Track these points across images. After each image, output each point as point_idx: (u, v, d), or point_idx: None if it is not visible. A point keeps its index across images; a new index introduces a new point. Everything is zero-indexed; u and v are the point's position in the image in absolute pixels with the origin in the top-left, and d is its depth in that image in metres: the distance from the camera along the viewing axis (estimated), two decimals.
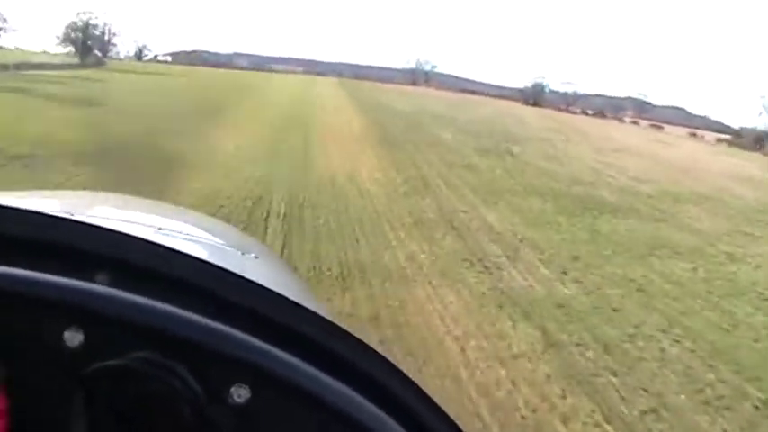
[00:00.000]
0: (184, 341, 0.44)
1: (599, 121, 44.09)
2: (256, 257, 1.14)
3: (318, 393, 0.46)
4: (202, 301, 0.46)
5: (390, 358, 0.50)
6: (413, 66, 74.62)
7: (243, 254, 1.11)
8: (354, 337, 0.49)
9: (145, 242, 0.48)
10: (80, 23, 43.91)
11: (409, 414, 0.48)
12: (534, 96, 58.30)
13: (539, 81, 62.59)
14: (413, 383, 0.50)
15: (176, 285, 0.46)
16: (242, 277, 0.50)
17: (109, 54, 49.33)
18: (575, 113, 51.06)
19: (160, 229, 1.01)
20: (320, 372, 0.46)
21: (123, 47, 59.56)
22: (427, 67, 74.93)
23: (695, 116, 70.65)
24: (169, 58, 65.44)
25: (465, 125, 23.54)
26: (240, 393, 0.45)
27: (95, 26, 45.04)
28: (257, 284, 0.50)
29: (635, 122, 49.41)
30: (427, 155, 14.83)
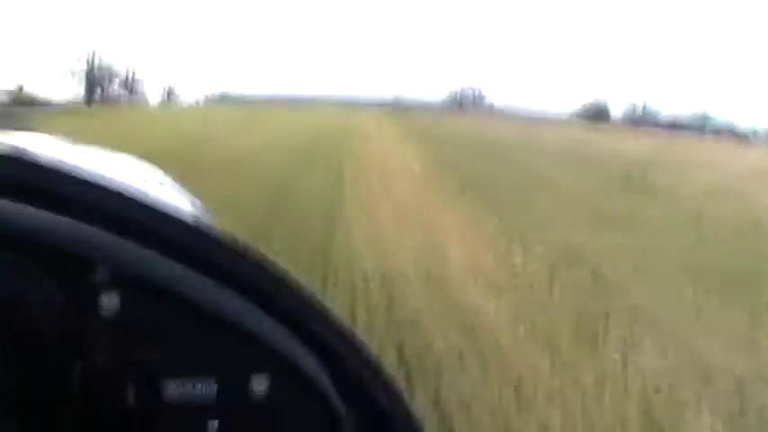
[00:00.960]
0: (48, 245, 0.41)
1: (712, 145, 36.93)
2: (161, 184, 1.16)
3: (197, 299, 0.44)
4: (76, 209, 0.42)
5: (285, 272, 0.48)
6: (455, 94, 70.58)
7: (145, 180, 1.11)
8: (232, 241, 0.46)
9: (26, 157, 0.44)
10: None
11: (296, 320, 0.47)
12: (597, 117, 53.26)
13: (599, 101, 57.87)
14: (303, 292, 0.48)
15: (45, 195, 0.42)
16: (118, 187, 0.45)
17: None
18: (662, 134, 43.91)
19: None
20: (197, 275, 0.44)
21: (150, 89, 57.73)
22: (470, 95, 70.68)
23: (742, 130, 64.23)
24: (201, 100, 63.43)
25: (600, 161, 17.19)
26: (110, 300, 0.42)
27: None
28: (136, 195, 0.45)
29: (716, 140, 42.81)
30: None
